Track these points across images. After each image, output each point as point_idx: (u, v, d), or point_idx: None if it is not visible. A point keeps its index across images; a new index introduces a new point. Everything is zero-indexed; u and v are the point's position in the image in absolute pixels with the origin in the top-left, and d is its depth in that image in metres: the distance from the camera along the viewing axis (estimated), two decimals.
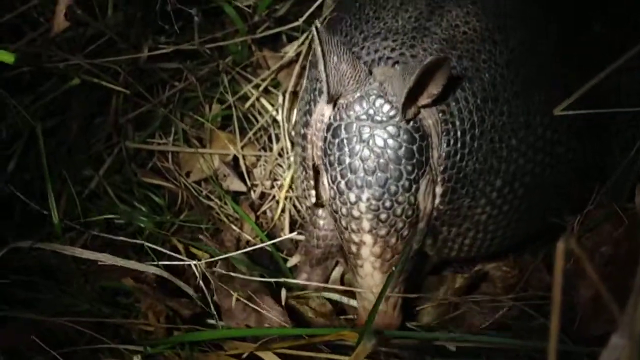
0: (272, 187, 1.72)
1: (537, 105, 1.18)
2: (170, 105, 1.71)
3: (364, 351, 0.99)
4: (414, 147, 1.06)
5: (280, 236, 1.65)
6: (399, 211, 1.08)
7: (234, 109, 1.72)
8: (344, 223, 1.11)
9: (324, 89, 1.06)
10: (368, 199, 1.07)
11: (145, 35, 1.62)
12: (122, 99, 1.64)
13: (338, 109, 1.09)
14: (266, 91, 1.78)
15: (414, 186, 1.07)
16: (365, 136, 1.07)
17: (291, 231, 1.67)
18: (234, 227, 1.60)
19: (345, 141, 1.08)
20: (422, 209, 1.09)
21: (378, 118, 1.07)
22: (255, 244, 1.58)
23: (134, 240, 1.37)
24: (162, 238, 1.51)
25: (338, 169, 1.09)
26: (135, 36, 1.62)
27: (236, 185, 1.64)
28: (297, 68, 1.70)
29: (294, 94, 1.75)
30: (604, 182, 1.23)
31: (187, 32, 1.65)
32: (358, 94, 1.07)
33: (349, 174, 1.08)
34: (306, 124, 1.18)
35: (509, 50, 1.16)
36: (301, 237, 1.51)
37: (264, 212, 1.70)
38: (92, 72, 1.52)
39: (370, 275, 1.12)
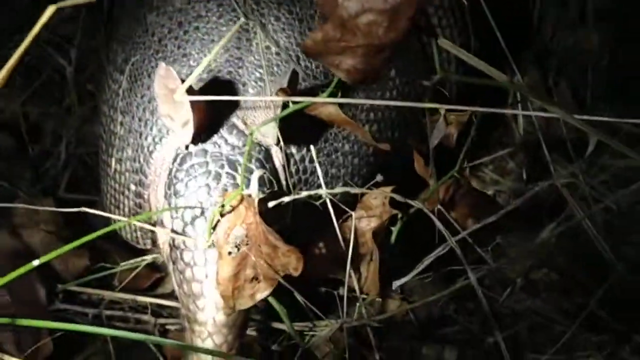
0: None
1: None
2: None
3: None
4: (265, 175, 1.04)
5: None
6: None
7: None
8: (186, 258, 1.02)
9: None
10: None
11: None
12: None
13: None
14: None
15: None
16: (218, 162, 1.03)
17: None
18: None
19: (195, 167, 1.03)
20: None
21: (229, 145, 1.05)
22: None
23: None
24: None
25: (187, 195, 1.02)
26: None
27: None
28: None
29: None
30: None
31: None
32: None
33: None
34: (143, 184, 1.13)
35: None
36: None
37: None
38: None
39: (212, 317, 1.00)
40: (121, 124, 1.19)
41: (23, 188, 1.56)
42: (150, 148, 1.12)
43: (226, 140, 1.05)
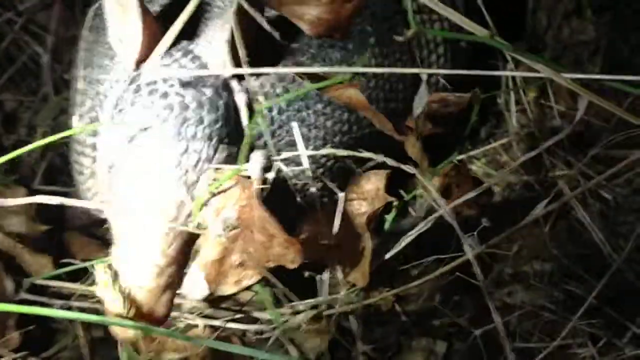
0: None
1: None
2: None
3: None
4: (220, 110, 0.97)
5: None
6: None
7: None
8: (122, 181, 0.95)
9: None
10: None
11: None
12: None
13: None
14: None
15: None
16: (167, 82, 0.97)
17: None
18: None
19: (143, 86, 0.97)
20: None
21: (182, 69, 0.98)
22: None
23: None
24: None
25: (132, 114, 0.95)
26: None
27: None
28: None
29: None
30: None
31: None
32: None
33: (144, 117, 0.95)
34: (97, 133, 1.04)
35: None
36: None
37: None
38: None
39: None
40: (83, 78, 1.14)
41: None
42: (107, 93, 1.06)
43: (180, 64, 1.00)
